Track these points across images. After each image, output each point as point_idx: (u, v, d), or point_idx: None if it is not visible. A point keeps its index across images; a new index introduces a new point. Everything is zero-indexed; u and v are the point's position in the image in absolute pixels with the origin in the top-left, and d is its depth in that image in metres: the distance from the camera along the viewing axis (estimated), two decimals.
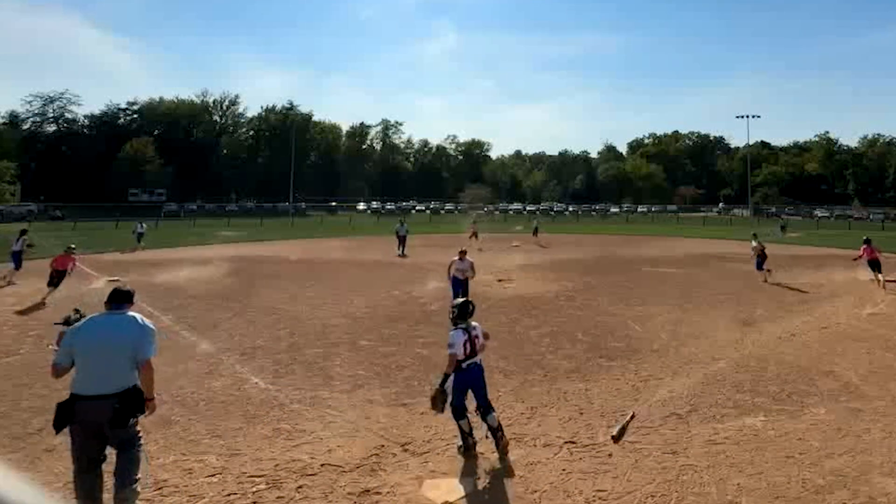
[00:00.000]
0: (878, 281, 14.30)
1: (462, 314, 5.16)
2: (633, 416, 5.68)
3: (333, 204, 77.59)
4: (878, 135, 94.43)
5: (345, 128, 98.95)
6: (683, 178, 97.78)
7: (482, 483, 4.48)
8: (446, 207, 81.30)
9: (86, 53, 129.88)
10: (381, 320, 10.46)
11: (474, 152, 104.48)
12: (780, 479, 4.51)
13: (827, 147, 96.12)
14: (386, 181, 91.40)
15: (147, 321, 4.10)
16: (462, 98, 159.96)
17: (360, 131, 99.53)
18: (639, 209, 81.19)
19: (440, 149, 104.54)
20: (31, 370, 7.23)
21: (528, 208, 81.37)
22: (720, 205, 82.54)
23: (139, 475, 3.92)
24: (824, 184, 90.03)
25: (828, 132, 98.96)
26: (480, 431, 5.06)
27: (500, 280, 15.63)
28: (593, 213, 77.77)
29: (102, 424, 3.77)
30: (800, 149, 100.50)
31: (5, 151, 60.41)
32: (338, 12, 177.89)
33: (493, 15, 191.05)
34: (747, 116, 75.90)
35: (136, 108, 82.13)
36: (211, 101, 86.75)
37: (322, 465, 4.75)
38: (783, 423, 5.65)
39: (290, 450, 5.03)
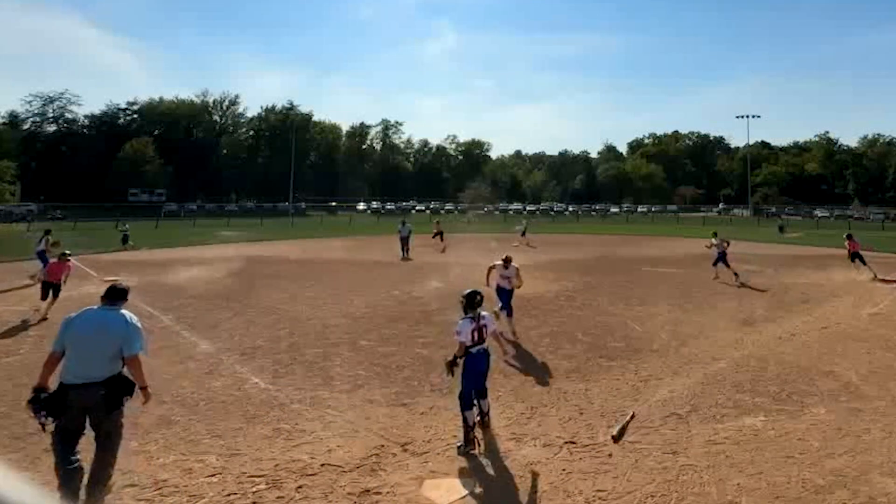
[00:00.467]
0: (867, 270, 15.96)
1: (470, 304, 5.40)
2: (633, 416, 5.69)
3: (333, 204, 77.61)
4: (878, 135, 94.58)
5: (345, 128, 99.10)
6: (683, 178, 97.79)
7: (482, 483, 4.48)
8: (446, 207, 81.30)
9: (86, 53, 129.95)
10: (381, 320, 10.46)
11: (474, 152, 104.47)
12: (780, 479, 4.51)
13: (827, 147, 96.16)
14: (386, 181, 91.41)
15: (135, 319, 4.30)
16: (462, 98, 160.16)
17: (360, 131, 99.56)
18: (639, 209, 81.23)
19: (440, 149, 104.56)
20: (31, 370, 7.22)
21: (528, 208, 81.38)
22: (720, 205, 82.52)
23: (112, 473, 4.13)
24: (824, 184, 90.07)
25: (828, 132, 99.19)
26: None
27: None
28: (593, 213, 77.80)
29: (89, 410, 3.99)
30: (800, 149, 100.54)
31: (5, 151, 60.38)
32: (338, 12, 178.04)
33: (493, 15, 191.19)
34: (747, 116, 76.07)
35: (135, 108, 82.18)
36: (211, 101, 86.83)
37: (322, 465, 4.75)
38: (783, 423, 5.65)
39: (290, 450, 5.03)
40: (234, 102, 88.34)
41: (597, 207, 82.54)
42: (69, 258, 11.30)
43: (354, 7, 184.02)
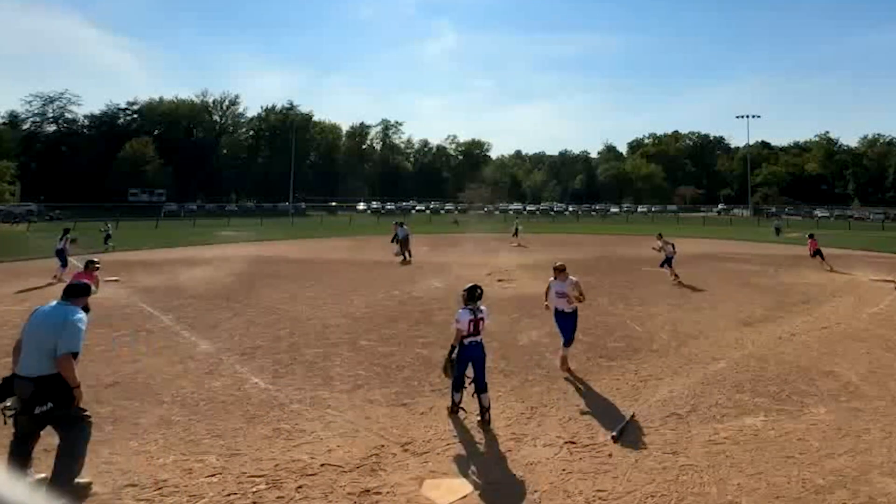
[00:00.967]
0: (823, 263, 18.26)
1: (471, 297, 5.79)
2: (633, 416, 5.68)
3: (333, 204, 77.64)
4: (878, 135, 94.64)
5: (345, 128, 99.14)
6: (683, 178, 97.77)
7: (482, 483, 4.48)
8: (446, 207, 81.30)
9: (86, 53, 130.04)
10: (381, 320, 10.46)
11: (474, 152, 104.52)
12: (780, 479, 4.50)
13: (827, 147, 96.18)
14: (386, 181, 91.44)
15: (77, 318, 4.23)
16: (462, 98, 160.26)
17: (360, 131, 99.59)
18: (639, 209, 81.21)
19: (440, 149, 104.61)
20: None
21: (527, 208, 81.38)
22: (719, 205, 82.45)
23: (72, 476, 4.13)
24: (824, 184, 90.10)
25: (828, 132, 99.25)
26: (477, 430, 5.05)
27: (500, 280, 15.63)
28: (593, 213, 77.81)
29: (27, 402, 4.03)
30: (800, 149, 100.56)
31: (5, 151, 60.42)
32: (338, 12, 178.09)
33: (493, 15, 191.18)
34: (747, 116, 76.13)
35: (135, 108, 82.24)
36: (211, 101, 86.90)
37: (322, 465, 4.75)
38: (783, 423, 5.65)
39: (290, 450, 5.03)
40: (234, 102, 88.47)
41: (597, 207, 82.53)
42: (97, 267, 9.43)
43: (354, 7, 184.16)
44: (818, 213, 68.48)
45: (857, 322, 10.28)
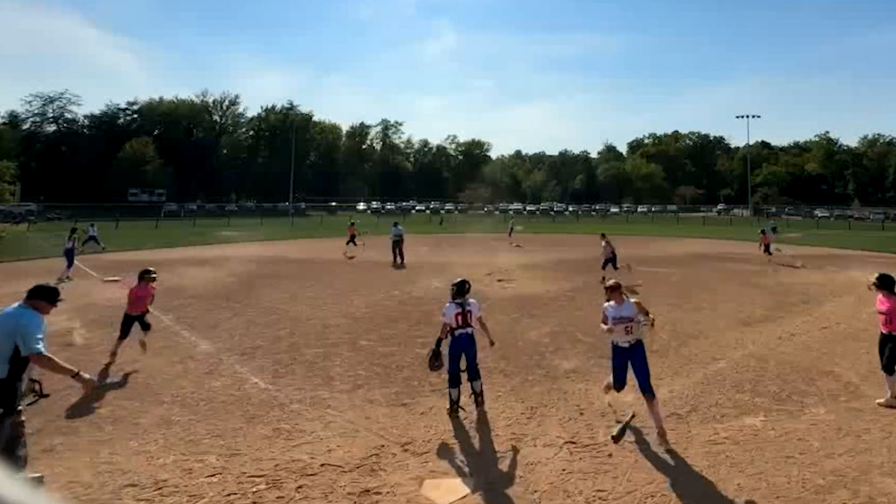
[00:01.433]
0: (769, 255, 20.11)
1: (459, 291, 5.94)
2: (633, 416, 5.68)
3: (333, 204, 77.60)
4: (878, 135, 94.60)
5: (345, 128, 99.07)
6: (683, 178, 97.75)
7: (482, 483, 4.48)
8: (446, 207, 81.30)
9: (86, 53, 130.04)
10: (380, 320, 10.46)
11: (474, 152, 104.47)
12: (780, 479, 4.51)
13: (827, 147, 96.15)
14: (386, 181, 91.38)
15: (33, 319, 4.13)
16: (462, 98, 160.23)
17: (360, 131, 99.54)
18: (639, 209, 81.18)
19: (440, 149, 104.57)
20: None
21: (527, 208, 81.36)
22: (718, 206, 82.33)
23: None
24: (824, 184, 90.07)
25: (828, 132, 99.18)
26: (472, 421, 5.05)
27: (500, 280, 15.63)
28: (593, 213, 77.78)
29: None
30: (800, 149, 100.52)
31: (5, 151, 60.34)
32: (338, 12, 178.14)
33: (493, 15, 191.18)
34: (747, 116, 76.06)
35: (135, 108, 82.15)
36: (211, 101, 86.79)
37: (322, 465, 4.75)
38: (783, 423, 5.65)
39: (290, 450, 5.03)
40: (234, 102, 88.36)
41: (597, 207, 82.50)
42: (154, 277, 7.99)
43: (354, 7, 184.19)
44: (818, 213, 68.43)
45: (857, 322, 10.27)
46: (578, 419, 5.78)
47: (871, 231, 42.99)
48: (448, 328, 5.83)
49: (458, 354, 5.85)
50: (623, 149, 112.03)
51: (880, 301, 6.12)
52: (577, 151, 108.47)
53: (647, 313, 5.56)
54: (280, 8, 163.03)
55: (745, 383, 6.86)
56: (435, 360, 5.86)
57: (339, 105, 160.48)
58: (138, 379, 6.99)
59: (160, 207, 61.09)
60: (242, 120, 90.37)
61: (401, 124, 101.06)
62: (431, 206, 78.99)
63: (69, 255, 15.60)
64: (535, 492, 4.34)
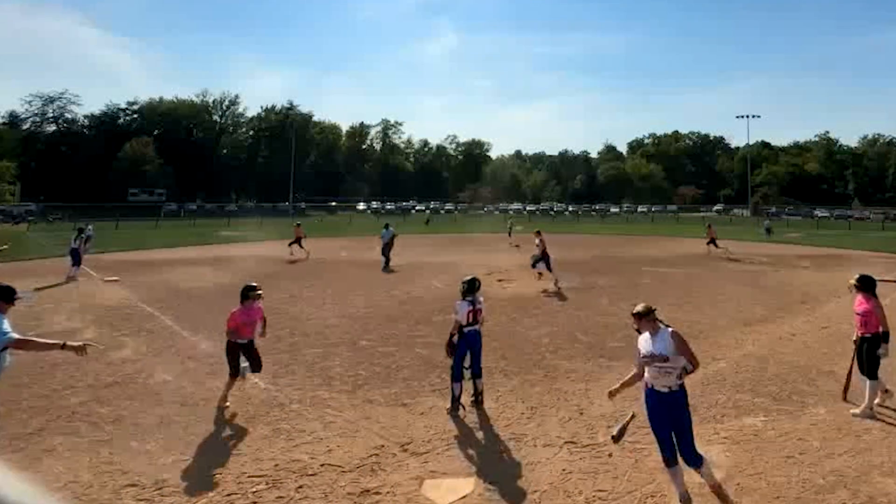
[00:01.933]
0: (714, 248, 22.30)
1: (470, 289, 6.05)
2: (633, 416, 5.67)
3: (333, 204, 77.58)
4: (878, 135, 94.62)
5: (345, 128, 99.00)
6: (683, 178, 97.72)
7: (482, 483, 4.48)
8: (446, 207, 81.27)
9: (86, 53, 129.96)
10: (381, 320, 10.46)
11: (474, 152, 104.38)
12: (780, 479, 4.51)
13: (827, 147, 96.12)
14: (386, 181, 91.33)
15: None
16: (462, 98, 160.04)
17: (360, 131, 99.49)
18: (639, 209, 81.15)
19: (440, 149, 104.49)
20: (30, 370, 7.23)
21: (527, 208, 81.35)
22: (715, 206, 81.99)
23: None
24: (824, 184, 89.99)
25: (828, 132, 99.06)
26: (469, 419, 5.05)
27: (499, 280, 15.63)
28: (593, 213, 77.71)
29: None
30: (800, 149, 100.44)
31: (5, 151, 60.42)
32: (338, 12, 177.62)
33: (493, 15, 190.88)
34: (747, 116, 76.08)
35: (136, 108, 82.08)
36: (211, 101, 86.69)
37: (322, 465, 4.75)
38: (783, 423, 5.65)
39: (290, 450, 5.03)
40: (234, 102, 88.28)
41: (597, 207, 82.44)
42: (260, 294, 6.42)
43: (354, 7, 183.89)
44: (818, 213, 68.41)
45: None
46: (578, 419, 5.78)
47: (872, 231, 42.99)
48: (458, 325, 5.94)
49: (465, 351, 5.97)
50: (623, 149, 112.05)
51: (859, 302, 6.09)
52: (577, 151, 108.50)
53: (692, 358, 4.07)
54: (280, 8, 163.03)
55: (745, 383, 6.86)
56: (452, 349, 5.98)
57: (339, 105, 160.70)
58: (138, 379, 6.99)
59: (160, 207, 61.06)
60: (242, 120, 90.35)
61: (401, 124, 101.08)
62: (431, 206, 78.98)
63: (75, 254, 15.62)
64: (535, 492, 4.34)
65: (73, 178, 68.43)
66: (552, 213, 76.47)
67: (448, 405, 5.97)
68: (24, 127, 74.49)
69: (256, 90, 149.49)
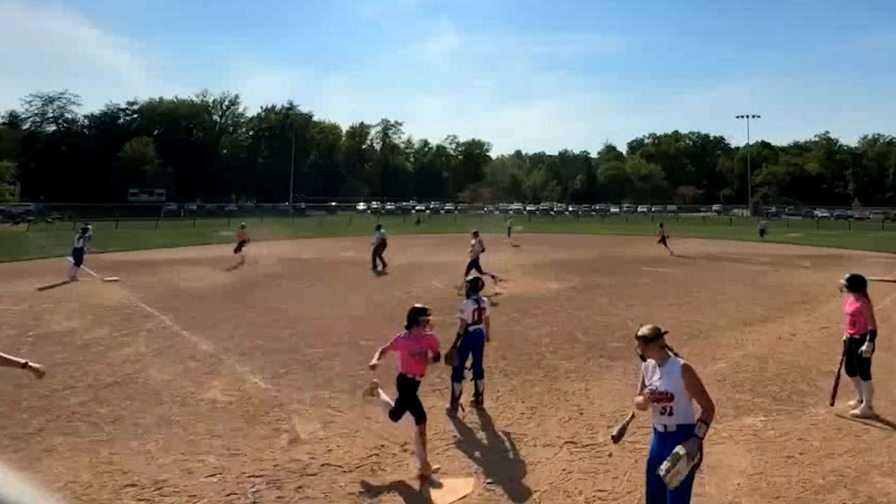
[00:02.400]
0: (667, 249, 22.85)
1: (474, 288, 6.22)
2: (633, 416, 5.67)
3: (333, 204, 77.53)
4: (878, 135, 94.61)
5: (345, 128, 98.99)
6: (683, 178, 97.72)
7: (482, 483, 4.48)
8: (446, 207, 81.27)
9: (86, 53, 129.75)
10: (381, 320, 10.45)
11: (474, 152, 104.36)
12: (780, 479, 4.50)
13: (827, 147, 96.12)
14: (386, 181, 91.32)
15: None
16: (462, 98, 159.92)
17: (360, 131, 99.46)
18: (639, 209, 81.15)
19: (440, 149, 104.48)
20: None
21: (528, 208, 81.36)
22: (714, 206, 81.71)
23: None
24: (824, 184, 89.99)
25: (828, 132, 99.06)
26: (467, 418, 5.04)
27: (500, 280, 15.60)
28: (593, 213, 77.70)
29: None
30: (800, 149, 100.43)
31: (5, 151, 60.41)
32: (338, 12, 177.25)
33: (493, 15, 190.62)
34: (747, 116, 76.08)
35: (136, 108, 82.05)
36: (211, 101, 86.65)
37: (322, 465, 4.75)
38: (783, 423, 5.65)
39: (290, 450, 5.03)
40: (233, 102, 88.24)
41: (597, 207, 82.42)
42: (429, 318, 5.36)
43: (354, 7, 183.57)
44: (818, 213, 68.42)
45: None
46: (578, 419, 5.78)
47: (872, 231, 43.00)
48: (464, 325, 5.95)
49: (469, 349, 5.99)
50: (623, 149, 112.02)
51: (850, 303, 6.08)
52: (577, 151, 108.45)
53: (705, 400, 3.35)
54: (280, 8, 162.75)
55: (745, 383, 6.86)
56: (455, 357, 5.80)
57: (339, 105, 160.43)
58: (138, 379, 6.98)
59: (160, 207, 61.00)
60: (242, 120, 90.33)
61: (401, 124, 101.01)
62: (431, 206, 78.97)
63: (77, 254, 15.62)
64: (535, 492, 4.34)
65: (73, 179, 68.40)
66: (552, 213, 76.45)
67: (448, 405, 5.95)
68: (24, 127, 74.50)
69: (256, 90, 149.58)
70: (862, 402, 5.88)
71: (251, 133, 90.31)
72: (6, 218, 47.28)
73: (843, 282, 6.26)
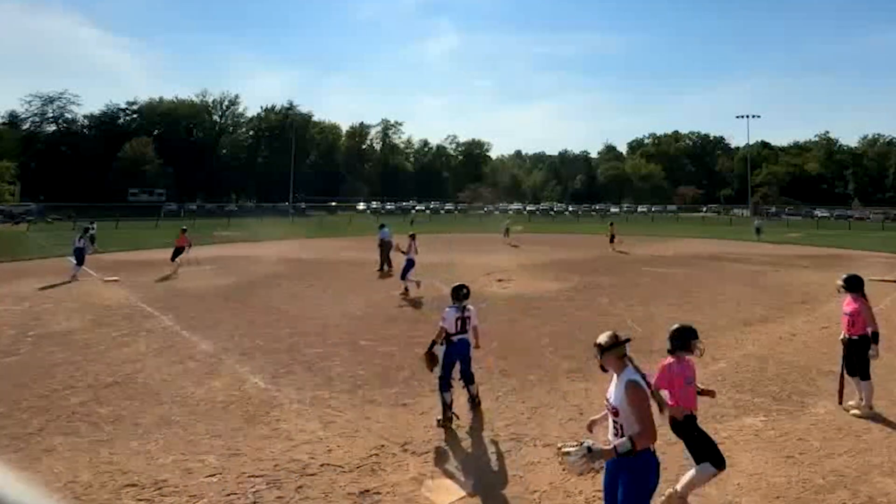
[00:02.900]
0: (612, 246, 24.97)
1: (457, 296, 5.84)
2: None
3: (333, 204, 77.51)
4: (878, 135, 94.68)
5: (345, 128, 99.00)
6: (683, 178, 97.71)
7: (482, 483, 4.48)
8: (446, 207, 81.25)
9: (86, 53, 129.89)
10: (380, 320, 10.46)
11: (474, 152, 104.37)
12: (780, 479, 4.50)
13: (827, 147, 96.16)
14: (386, 181, 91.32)
15: None
16: (462, 98, 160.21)
17: (360, 131, 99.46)
18: (639, 209, 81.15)
19: (440, 149, 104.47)
20: (30, 370, 7.23)
21: (528, 208, 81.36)
22: (705, 208, 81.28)
23: None
24: (824, 184, 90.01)
25: (828, 132, 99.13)
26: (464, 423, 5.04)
27: (499, 280, 15.63)
28: (593, 213, 77.70)
29: None
30: (800, 149, 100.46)
31: (5, 151, 60.40)
32: (338, 12, 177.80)
33: (493, 15, 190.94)
34: (747, 116, 76.00)
35: (135, 108, 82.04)
36: (211, 101, 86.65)
37: (322, 465, 4.75)
38: (783, 423, 5.65)
39: (290, 450, 5.03)
40: (233, 102, 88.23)
41: (597, 207, 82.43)
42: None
43: (354, 7, 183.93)
44: (818, 213, 68.41)
45: None
46: (578, 419, 5.77)
47: (872, 231, 43.01)
48: (444, 333, 5.66)
49: (454, 360, 5.70)
50: (623, 149, 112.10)
51: (847, 303, 6.09)
52: (577, 151, 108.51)
53: (645, 422, 3.11)
54: (280, 8, 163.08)
55: (745, 383, 6.86)
56: (431, 361, 5.64)
57: (339, 105, 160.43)
58: (138, 379, 6.98)
59: (160, 207, 60.98)
60: (242, 120, 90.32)
61: (401, 124, 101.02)
62: (431, 206, 78.96)
63: (79, 254, 15.63)
64: (535, 492, 4.34)
65: (73, 178, 68.43)
66: (552, 213, 76.43)
67: (440, 415, 5.62)
68: (24, 127, 74.49)
69: (256, 90, 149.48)
70: (862, 401, 5.89)
71: (251, 133, 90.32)
72: (6, 218, 47.28)
73: (840, 283, 6.27)
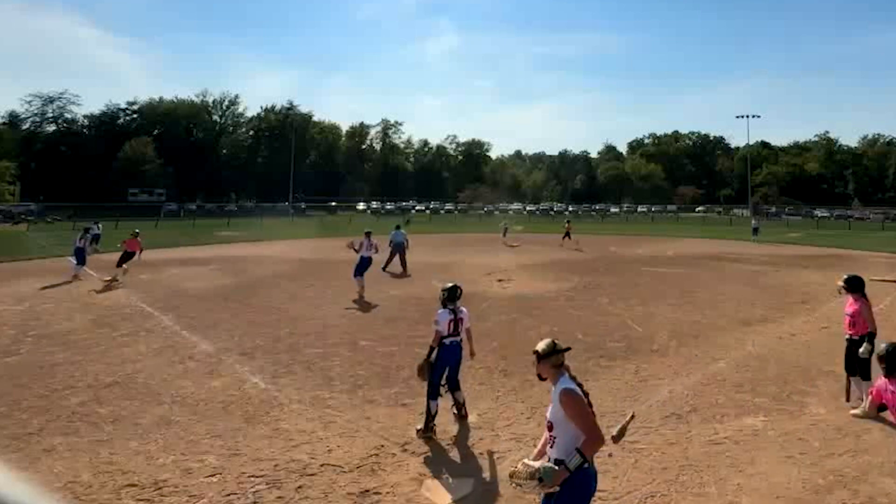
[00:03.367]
0: (568, 240, 26.65)
1: (451, 297, 5.63)
2: (632, 416, 5.66)
3: (333, 204, 77.55)
4: (878, 135, 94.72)
5: (345, 128, 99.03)
6: (683, 178, 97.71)
7: (482, 483, 4.48)
8: (446, 207, 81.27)
9: (86, 53, 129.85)
10: (380, 320, 10.46)
11: (474, 152, 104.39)
12: (780, 479, 4.50)
13: (827, 147, 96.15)
14: (386, 181, 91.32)
15: None
16: (462, 98, 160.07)
17: (360, 131, 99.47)
18: (639, 209, 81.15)
19: (440, 149, 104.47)
20: (31, 370, 7.23)
21: (528, 208, 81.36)
22: (697, 208, 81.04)
23: None
24: (824, 184, 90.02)
25: (828, 132, 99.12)
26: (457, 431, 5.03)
27: (499, 280, 15.62)
28: (593, 213, 77.71)
29: None
30: (800, 149, 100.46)
31: (5, 151, 60.44)
32: (338, 12, 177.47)
33: (493, 15, 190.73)
34: (747, 116, 76.01)
35: (135, 108, 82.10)
36: (211, 100, 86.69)
37: (322, 465, 4.75)
38: (783, 423, 5.65)
39: (290, 450, 5.03)
40: (233, 102, 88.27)
41: (597, 207, 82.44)
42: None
43: (354, 7, 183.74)
44: (818, 213, 68.43)
45: None
46: None
47: (872, 231, 43.02)
48: (439, 336, 5.47)
49: (445, 364, 5.50)
50: (623, 149, 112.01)
51: (849, 304, 6.11)
52: (577, 151, 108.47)
53: (588, 428, 2.91)
54: (280, 8, 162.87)
55: (745, 383, 6.86)
56: (427, 371, 5.45)
57: (339, 105, 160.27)
58: (138, 379, 6.98)
59: (160, 207, 60.98)
60: (242, 120, 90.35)
61: (401, 124, 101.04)
62: (431, 206, 78.98)
63: (79, 253, 15.64)
64: None
65: (73, 178, 68.43)
66: (552, 213, 76.43)
67: (422, 425, 5.38)
68: (24, 127, 74.54)
69: (256, 90, 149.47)
70: (862, 401, 5.89)
71: (251, 133, 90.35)
72: (6, 218, 47.29)
73: (841, 283, 6.28)
